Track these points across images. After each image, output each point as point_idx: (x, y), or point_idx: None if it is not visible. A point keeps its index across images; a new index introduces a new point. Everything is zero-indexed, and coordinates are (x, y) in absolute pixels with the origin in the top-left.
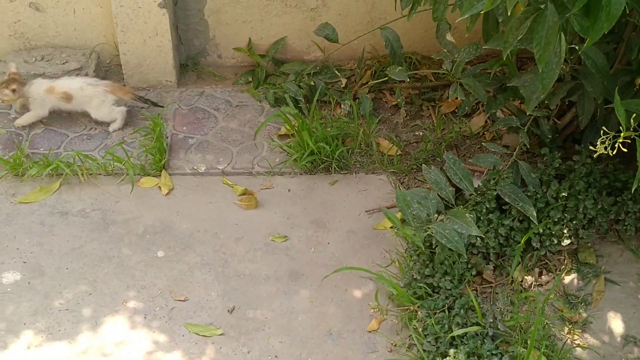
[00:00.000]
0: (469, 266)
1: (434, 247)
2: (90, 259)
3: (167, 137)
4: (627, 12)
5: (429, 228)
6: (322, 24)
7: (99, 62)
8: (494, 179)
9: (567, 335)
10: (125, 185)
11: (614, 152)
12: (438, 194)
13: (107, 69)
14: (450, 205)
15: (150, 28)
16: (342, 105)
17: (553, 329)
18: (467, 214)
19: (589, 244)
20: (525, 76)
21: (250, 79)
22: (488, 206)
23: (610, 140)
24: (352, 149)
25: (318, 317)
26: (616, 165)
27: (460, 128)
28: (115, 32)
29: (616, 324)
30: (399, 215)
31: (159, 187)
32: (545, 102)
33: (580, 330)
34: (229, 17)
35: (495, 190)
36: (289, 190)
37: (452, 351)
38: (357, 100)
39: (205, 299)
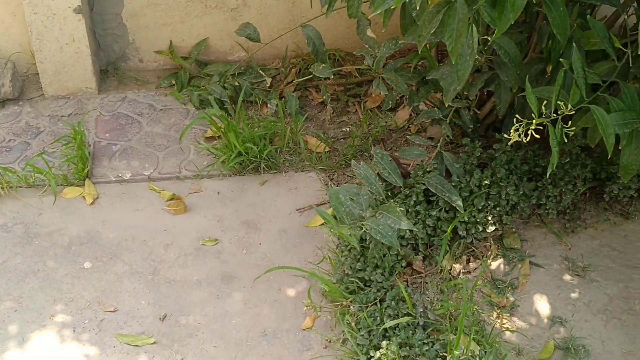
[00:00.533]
0: (399, 258)
1: (366, 242)
2: (14, 275)
3: (89, 145)
4: (535, 2)
5: (363, 225)
6: (243, 23)
7: (15, 71)
8: (421, 170)
9: (496, 320)
10: (47, 196)
11: (528, 139)
12: (369, 190)
13: (24, 78)
14: (381, 200)
15: (66, 34)
16: (268, 105)
17: (482, 315)
18: (397, 208)
19: (513, 229)
20: (443, 69)
21: (173, 82)
22: (416, 199)
23: (523, 127)
24: (281, 148)
25: (252, 318)
26: (535, 152)
27: (386, 122)
28: (31, 40)
29: (542, 306)
30: (330, 212)
31: (83, 197)
32: (465, 93)
33: (508, 314)
34: (148, 20)
35: (423, 182)
36: (218, 192)
37: (384, 343)
38: (283, 99)
39: (136, 308)
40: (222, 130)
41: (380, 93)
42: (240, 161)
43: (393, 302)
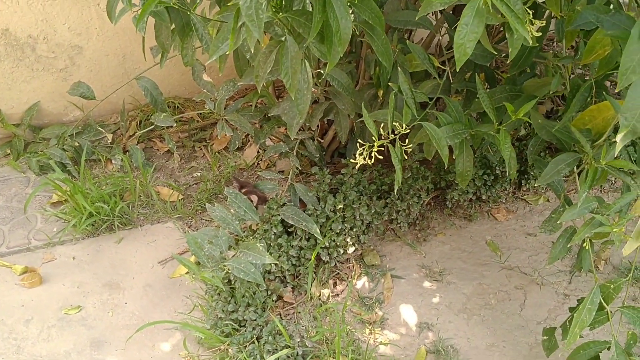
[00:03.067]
0: (269, 293)
1: (233, 283)
2: None
3: None
4: (358, 33)
5: (225, 266)
6: (75, 83)
7: None
8: (275, 204)
9: (369, 336)
10: None
11: (372, 161)
12: (227, 230)
13: None
14: (241, 239)
15: None
16: (113, 161)
17: (356, 334)
18: (257, 244)
19: (371, 247)
20: (284, 104)
21: (8, 151)
22: (275, 231)
23: (367, 150)
24: (133, 202)
25: None
26: (380, 171)
27: (235, 162)
28: None
29: (409, 315)
30: (192, 259)
31: None
32: (307, 124)
33: (379, 329)
34: None
35: (279, 214)
36: (73, 258)
37: None
38: (127, 153)
39: None
40: (68, 193)
41: (225, 134)
42: (92, 222)
43: (270, 337)
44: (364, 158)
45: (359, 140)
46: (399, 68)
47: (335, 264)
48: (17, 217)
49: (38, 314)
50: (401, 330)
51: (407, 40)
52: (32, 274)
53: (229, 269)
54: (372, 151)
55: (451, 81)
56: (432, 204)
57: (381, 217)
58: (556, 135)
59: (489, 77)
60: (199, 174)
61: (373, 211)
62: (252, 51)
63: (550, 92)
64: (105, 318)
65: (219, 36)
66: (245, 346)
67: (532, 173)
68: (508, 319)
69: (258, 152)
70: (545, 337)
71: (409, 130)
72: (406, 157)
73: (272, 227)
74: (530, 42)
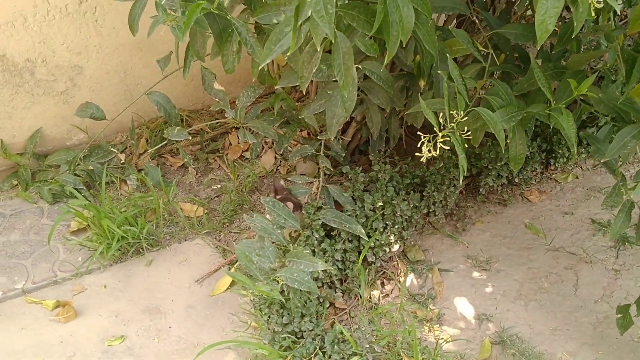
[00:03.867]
0: (321, 301)
1: (286, 294)
2: None
3: None
4: None
5: (277, 277)
6: (83, 104)
7: None
8: (312, 208)
9: (429, 334)
10: None
11: (437, 153)
12: (271, 240)
13: None
14: (285, 247)
15: None
16: (128, 182)
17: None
18: (305, 252)
19: (413, 243)
20: (314, 105)
21: (15, 182)
22: (317, 236)
23: (430, 141)
24: (157, 222)
25: None
26: (409, 164)
27: (253, 170)
28: None
29: (465, 308)
30: (232, 271)
31: None
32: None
33: (437, 325)
34: None
35: (319, 219)
36: (105, 286)
37: None
38: (142, 171)
39: None
40: (91, 220)
41: (246, 142)
42: (118, 247)
43: (335, 346)
44: (429, 150)
45: (419, 133)
46: (447, 55)
47: (381, 263)
48: (37, 250)
49: (80, 349)
50: (460, 324)
51: (449, 27)
52: (66, 308)
53: (282, 280)
54: (436, 141)
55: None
56: (464, 192)
57: (420, 211)
58: (619, 107)
59: (522, 57)
60: (219, 186)
61: (412, 205)
62: (318, 49)
63: (608, 65)
64: (151, 345)
65: (271, 38)
66: (311, 358)
67: (560, 152)
68: (565, 300)
69: (275, 157)
70: (619, 315)
71: (466, 118)
72: (466, 145)
73: (313, 233)
74: (615, 8)
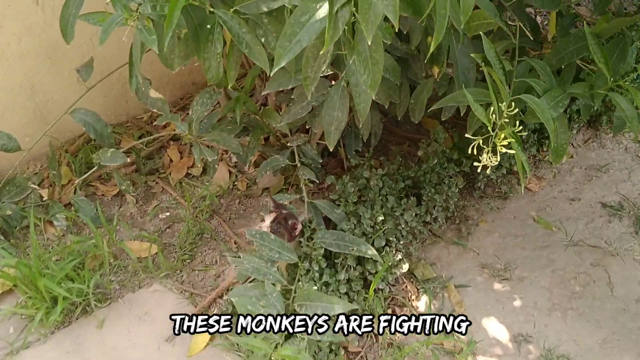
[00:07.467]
0: (332, 348)
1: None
2: None
3: None
4: None
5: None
6: None
7: None
8: (308, 232)
9: None
10: None
11: (497, 158)
12: (269, 282)
13: None
14: (286, 288)
15: None
16: (55, 223)
17: None
18: (320, 292)
19: (417, 257)
20: (294, 108)
21: None
22: (317, 268)
23: (482, 144)
24: (103, 270)
25: None
26: (398, 166)
27: (208, 190)
28: None
29: (496, 329)
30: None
31: None
32: (307, 126)
33: (471, 357)
34: None
35: (321, 246)
36: None
37: None
38: (70, 207)
39: None
40: (20, 280)
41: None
42: (61, 309)
43: None
44: (488, 157)
45: (468, 136)
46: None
47: (390, 288)
48: None
49: None
50: (497, 351)
51: None
52: None
53: (302, 336)
54: (496, 146)
55: (532, 38)
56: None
57: (422, 219)
58: None
59: (533, 28)
60: (168, 214)
61: (414, 213)
62: (369, 42)
63: None
64: None
65: (285, 32)
66: None
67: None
68: (604, 304)
69: (230, 173)
70: None
71: (516, 110)
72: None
73: (312, 264)
74: None
